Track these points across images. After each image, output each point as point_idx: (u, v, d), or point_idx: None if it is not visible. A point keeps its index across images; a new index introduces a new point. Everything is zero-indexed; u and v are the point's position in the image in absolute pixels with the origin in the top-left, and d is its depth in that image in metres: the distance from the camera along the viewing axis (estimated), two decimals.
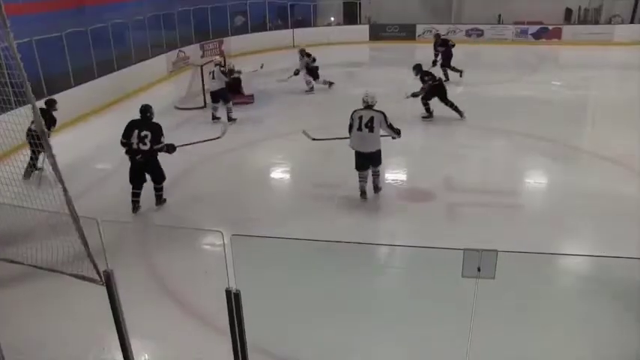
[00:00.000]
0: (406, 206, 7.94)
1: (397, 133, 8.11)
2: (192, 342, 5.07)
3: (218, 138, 10.37)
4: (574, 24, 24.00)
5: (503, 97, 14.14)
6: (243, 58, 18.98)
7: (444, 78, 13.84)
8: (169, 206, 8.03)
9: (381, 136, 7.93)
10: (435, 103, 11.85)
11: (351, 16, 25.38)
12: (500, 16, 24.15)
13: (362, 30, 24.24)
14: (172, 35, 17.91)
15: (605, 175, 8.73)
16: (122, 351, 3.99)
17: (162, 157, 8.07)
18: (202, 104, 13.34)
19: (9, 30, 3.08)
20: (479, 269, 3.39)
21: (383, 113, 7.87)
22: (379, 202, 8.11)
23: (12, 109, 3.55)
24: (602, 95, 14.50)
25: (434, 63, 15.43)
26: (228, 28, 21.19)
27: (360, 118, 7.77)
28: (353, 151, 8.02)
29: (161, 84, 16.18)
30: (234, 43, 20.77)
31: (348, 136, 8.06)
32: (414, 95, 11.55)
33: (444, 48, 15.54)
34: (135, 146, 7.55)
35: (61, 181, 3.48)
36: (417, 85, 11.93)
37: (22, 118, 3.43)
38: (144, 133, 7.58)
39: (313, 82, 14.60)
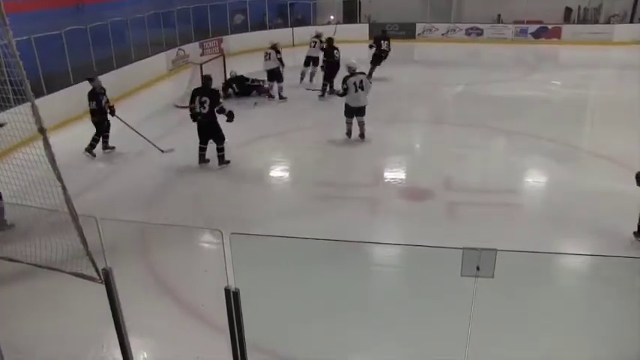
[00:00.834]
0: (406, 205, 7.95)
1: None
2: (191, 340, 5.07)
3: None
4: (574, 23, 23.98)
5: (503, 96, 14.13)
6: (243, 57, 19.00)
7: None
8: (169, 204, 8.03)
9: None
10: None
11: (350, 14, 25.36)
12: (499, 15, 24.14)
13: (362, 29, 24.21)
14: (172, 33, 17.90)
15: (604, 174, 8.73)
16: (121, 349, 3.99)
17: (162, 155, 8.07)
18: None
19: (8, 28, 3.07)
20: (478, 268, 3.39)
21: (364, 73, 10.79)
22: (379, 201, 8.11)
23: (11, 107, 3.55)
24: (601, 94, 14.53)
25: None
26: (228, 27, 21.16)
27: (354, 83, 10.10)
28: (351, 150, 9.13)
29: (161, 82, 16.18)
30: (233, 41, 20.75)
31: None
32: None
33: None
34: (197, 109, 9.03)
35: (60, 180, 3.48)
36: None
37: (22, 116, 3.42)
38: (203, 98, 9.04)
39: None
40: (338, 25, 14.83)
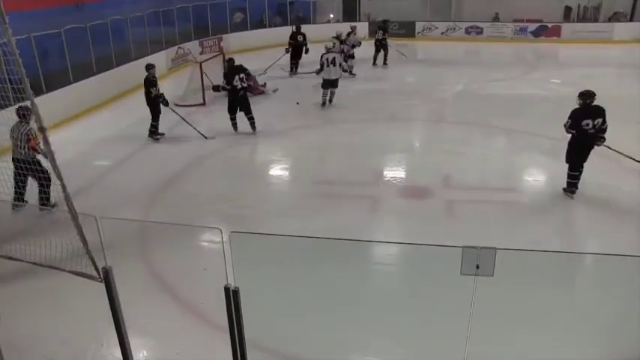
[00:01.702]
0: (405, 204, 7.95)
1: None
2: (191, 339, 5.07)
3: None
4: (573, 22, 24.00)
5: (503, 94, 14.12)
6: (243, 56, 18.97)
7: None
8: (168, 203, 8.03)
9: None
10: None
11: (350, 13, 25.34)
12: (497, 14, 24.12)
13: (361, 27, 24.19)
14: (171, 32, 17.88)
15: (604, 172, 8.73)
16: (121, 348, 3.99)
17: (161, 154, 8.03)
18: (202, 101, 13.31)
19: (7, 26, 3.07)
20: (477, 267, 3.39)
21: (339, 53, 13.20)
22: (379, 200, 8.11)
23: (11, 105, 3.55)
24: (600, 93, 14.44)
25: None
26: (228, 25, 21.14)
27: (327, 59, 12.36)
28: (349, 149, 9.76)
29: (160, 81, 16.08)
30: (233, 40, 20.74)
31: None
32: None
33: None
34: (238, 86, 10.51)
35: (60, 178, 3.48)
36: None
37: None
38: (241, 75, 10.58)
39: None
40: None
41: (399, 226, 7.39)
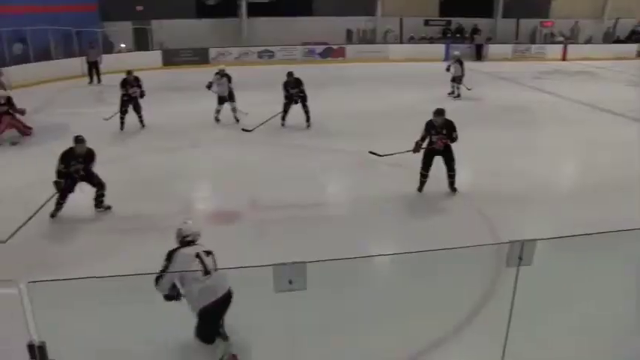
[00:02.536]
0: (214, 229, 7.92)
1: None
2: None
3: None
4: (355, 44, 26.31)
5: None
6: (26, 90, 17.56)
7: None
8: None
9: None
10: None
11: (142, 42, 24.76)
12: None
13: (154, 56, 23.82)
14: None
15: (393, 178, 9.62)
16: None
17: None
18: None
19: None
20: (290, 282, 3.54)
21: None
22: None
23: None
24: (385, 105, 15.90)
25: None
26: (6, 57, 19.32)
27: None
28: (161, 179, 8.65)
29: None
30: (15, 73, 18.95)
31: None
32: None
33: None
34: None
35: None
36: None
37: None
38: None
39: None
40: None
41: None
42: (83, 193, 8.29)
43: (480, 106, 16.10)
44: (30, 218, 7.50)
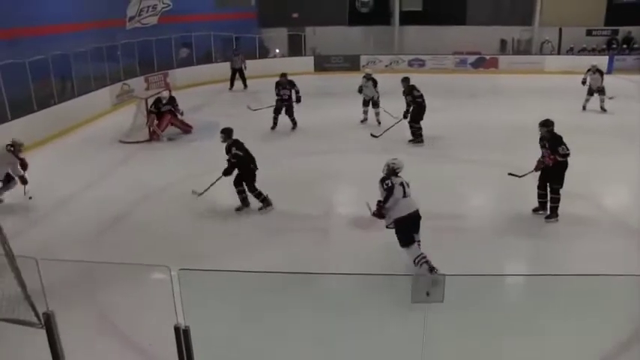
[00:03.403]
0: (355, 234, 7.96)
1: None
2: None
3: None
4: (509, 54, 25.20)
5: (447, 124, 14.42)
6: (189, 91, 18.93)
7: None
8: (114, 241, 7.79)
9: None
10: None
11: (295, 47, 25.68)
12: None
13: (307, 61, 24.55)
14: (116, 68, 17.64)
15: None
16: None
17: (106, 192, 7.74)
18: (147, 137, 13.09)
19: None
20: (428, 294, 3.41)
21: None
22: (327, 232, 8.12)
23: None
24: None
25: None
26: (174, 60, 21.04)
27: (402, 184, 7.13)
28: (299, 180, 9.22)
29: (104, 117, 15.85)
30: (179, 75, 20.61)
31: None
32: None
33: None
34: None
35: None
36: None
37: None
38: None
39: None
40: None
41: (349, 258, 7.36)
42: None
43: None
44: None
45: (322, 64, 24.68)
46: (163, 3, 21.74)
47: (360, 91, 14.19)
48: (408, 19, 25.80)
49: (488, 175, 10.12)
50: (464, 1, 25.86)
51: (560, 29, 25.26)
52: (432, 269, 6.14)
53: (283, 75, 13.75)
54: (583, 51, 24.85)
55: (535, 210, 8.38)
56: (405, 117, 12.42)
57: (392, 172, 6.88)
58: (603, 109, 15.35)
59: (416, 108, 12.23)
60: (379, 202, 6.78)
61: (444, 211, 8.61)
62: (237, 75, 19.98)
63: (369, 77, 14.07)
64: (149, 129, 12.99)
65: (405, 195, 6.72)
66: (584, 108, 15.62)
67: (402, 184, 6.78)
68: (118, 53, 17.98)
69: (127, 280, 6.32)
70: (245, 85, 20.22)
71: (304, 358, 4.98)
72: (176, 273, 3.36)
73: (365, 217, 7.66)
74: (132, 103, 15.51)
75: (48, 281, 3.53)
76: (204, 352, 3.65)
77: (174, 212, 8.93)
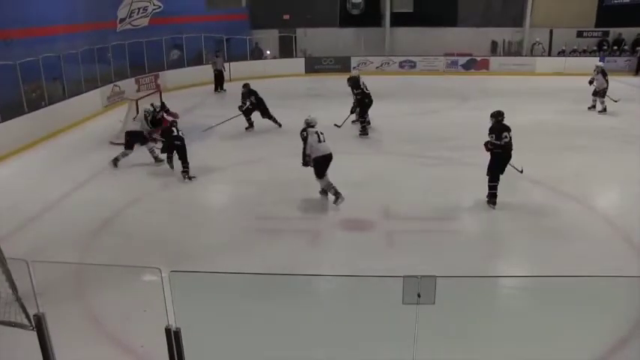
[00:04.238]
0: (347, 236, 8.00)
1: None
2: None
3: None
4: (500, 55, 25.32)
5: (439, 124, 14.49)
6: (180, 92, 18.92)
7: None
8: (105, 244, 7.79)
9: None
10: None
11: (286, 49, 25.70)
12: None
13: (298, 63, 24.60)
14: (107, 69, 17.60)
15: (532, 196, 9.12)
16: None
17: (97, 195, 7.73)
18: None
19: None
20: (419, 295, 3.44)
21: None
22: (320, 233, 8.15)
23: None
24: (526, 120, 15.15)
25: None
26: (164, 62, 21.00)
27: (317, 133, 9.09)
28: (289, 182, 9.66)
29: (95, 119, 15.81)
30: (170, 77, 20.59)
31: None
32: None
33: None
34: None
35: None
36: None
37: None
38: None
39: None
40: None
41: (340, 259, 7.40)
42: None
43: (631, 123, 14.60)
44: None
45: (313, 66, 24.74)
46: (154, 5, 21.71)
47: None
48: (399, 20, 25.82)
49: (480, 176, 10.16)
50: (455, 3, 25.90)
51: (551, 31, 25.39)
52: (337, 196, 8.81)
53: (245, 85, 14.09)
54: (574, 52, 25.00)
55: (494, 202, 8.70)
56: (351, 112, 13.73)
57: (308, 125, 9.05)
58: (602, 111, 15.46)
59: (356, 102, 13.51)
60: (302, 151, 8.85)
61: (437, 212, 8.67)
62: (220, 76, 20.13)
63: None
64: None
65: (320, 140, 8.88)
66: (590, 108, 15.77)
67: (316, 133, 8.94)
68: (109, 55, 17.96)
69: (118, 282, 6.32)
70: (223, 88, 20.33)
71: None
72: (167, 275, 3.37)
73: (357, 219, 7.72)
74: (123, 105, 15.47)
75: (39, 283, 3.53)
76: (195, 354, 3.67)
77: (165, 214, 8.94)
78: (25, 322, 3.55)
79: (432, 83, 21.73)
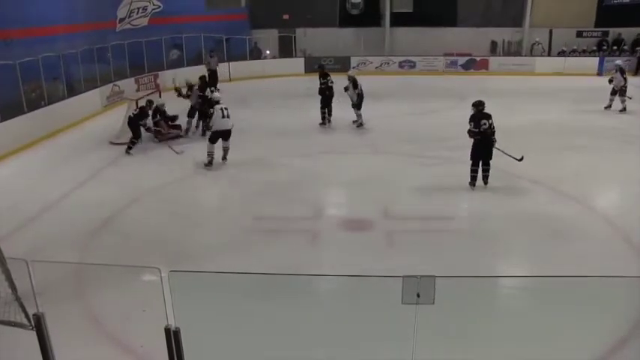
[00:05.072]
0: (346, 236, 8.00)
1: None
2: None
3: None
4: (499, 55, 25.32)
5: (439, 124, 14.47)
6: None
7: None
8: (105, 244, 7.78)
9: None
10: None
11: (286, 49, 25.69)
12: None
13: (297, 63, 24.59)
14: (106, 69, 17.60)
15: (535, 197, 9.12)
16: None
17: (96, 194, 7.72)
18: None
19: None
20: (418, 295, 3.44)
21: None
22: (319, 233, 8.15)
23: None
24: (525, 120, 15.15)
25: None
26: (164, 62, 20.97)
27: (222, 109, 10.81)
28: (289, 182, 9.87)
29: (95, 119, 15.81)
30: (169, 76, 20.55)
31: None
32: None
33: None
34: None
35: None
36: None
37: None
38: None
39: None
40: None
41: (340, 259, 7.39)
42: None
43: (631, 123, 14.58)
44: None
45: (313, 66, 24.71)
46: (154, 4, 21.70)
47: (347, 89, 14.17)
48: (398, 20, 25.83)
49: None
50: (454, 3, 25.90)
51: (551, 31, 25.40)
52: (209, 163, 10.71)
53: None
54: (573, 52, 24.99)
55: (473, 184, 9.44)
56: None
57: (215, 102, 11.07)
58: (622, 110, 15.37)
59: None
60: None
61: (437, 212, 8.67)
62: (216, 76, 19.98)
63: (350, 79, 14.10)
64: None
65: (223, 116, 10.67)
66: (607, 107, 15.70)
67: (221, 109, 10.74)
68: (109, 55, 17.96)
69: (118, 281, 6.31)
70: (216, 88, 20.18)
71: None
72: (167, 275, 3.36)
73: (357, 219, 7.70)
74: (122, 105, 15.48)
75: (38, 283, 3.52)
76: (194, 354, 3.66)
77: (164, 214, 8.93)
78: (25, 321, 3.54)
79: (431, 83, 21.71)
